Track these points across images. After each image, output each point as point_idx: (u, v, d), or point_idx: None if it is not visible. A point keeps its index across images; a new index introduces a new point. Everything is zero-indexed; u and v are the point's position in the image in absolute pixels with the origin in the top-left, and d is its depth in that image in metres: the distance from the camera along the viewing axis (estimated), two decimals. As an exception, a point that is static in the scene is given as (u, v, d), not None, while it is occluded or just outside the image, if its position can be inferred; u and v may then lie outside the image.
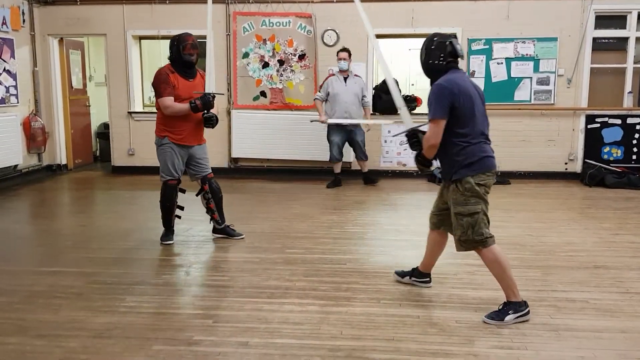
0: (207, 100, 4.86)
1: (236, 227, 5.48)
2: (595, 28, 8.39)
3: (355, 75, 8.04)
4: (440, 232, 3.96)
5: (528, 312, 3.53)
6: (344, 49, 7.91)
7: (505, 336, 3.33)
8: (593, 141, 8.57)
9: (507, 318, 3.48)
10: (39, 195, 7.84)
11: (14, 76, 8.42)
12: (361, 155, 8.12)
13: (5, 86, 8.25)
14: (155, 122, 5.08)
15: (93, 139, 10.65)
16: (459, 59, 3.73)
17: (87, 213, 6.95)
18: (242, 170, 9.00)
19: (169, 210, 5.18)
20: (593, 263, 4.67)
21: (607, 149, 8.57)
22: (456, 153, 3.62)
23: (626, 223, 6.03)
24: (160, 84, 4.87)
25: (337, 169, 8.12)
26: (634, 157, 8.52)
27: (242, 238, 5.32)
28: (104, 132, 10.29)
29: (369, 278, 4.30)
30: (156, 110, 5.09)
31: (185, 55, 4.91)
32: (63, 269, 4.57)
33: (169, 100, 4.85)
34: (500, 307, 3.55)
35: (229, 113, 8.86)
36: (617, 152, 8.56)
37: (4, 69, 8.21)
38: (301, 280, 4.26)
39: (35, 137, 8.82)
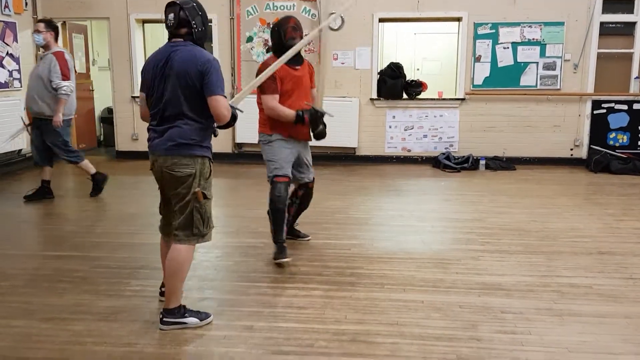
0: (315, 117, 4.28)
1: (241, 212, 5.49)
2: (603, 12, 8.32)
3: (53, 52, 6.18)
4: None
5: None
6: (40, 20, 6.53)
7: (508, 321, 3.34)
8: (599, 127, 8.53)
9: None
10: (43, 180, 7.84)
11: (17, 60, 8.40)
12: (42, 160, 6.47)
13: (9, 70, 8.23)
14: (259, 119, 4.48)
15: (97, 123, 10.65)
16: (169, 29, 3.26)
17: (91, 198, 6.95)
18: (246, 155, 8.99)
19: (279, 218, 4.37)
20: (597, 249, 4.66)
21: (613, 135, 8.53)
22: None
23: (631, 209, 6.02)
24: (265, 79, 4.12)
25: (44, 175, 6.53)
26: (640, 143, 8.50)
27: (309, 239, 4.87)
28: (107, 117, 10.29)
29: (373, 263, 4.30)
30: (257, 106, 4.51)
31: (289, 41, 4.27)
32: (67, 253, 4.59)
33: (272, 100, 4.27)
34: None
35: (232, 97, 8.82)
36: (623, 138, 8.52)
37: (7, 53, 8.19)
38: (305, 265, 4.27)
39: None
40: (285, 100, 4.31)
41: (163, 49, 3.27)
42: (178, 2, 3.19)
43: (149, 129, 3.37)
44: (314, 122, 4.32)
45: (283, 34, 4.31)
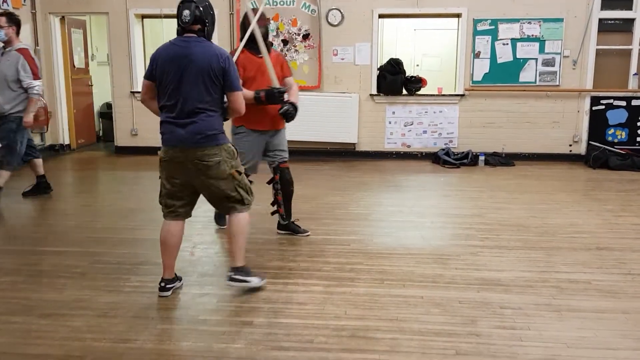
0: (271, 94, 4.39)
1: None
2: (602, 9, 8.31)
3: (18, 49, 5.91)
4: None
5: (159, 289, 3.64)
6: (1, 13, 6.12)
7: (507, 316, 3.35)
8: (598, 123, 8.54)
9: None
10: (42, 175, 7.83)
11: (16, 55, 8.37)
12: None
13: (8, 65, 8.20)
14: None
15: (96, 118, 10.63)
16: (183, 25, 3.43)
17: (90, 193, 6.96)
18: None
19: None
20: (596, 244, 4.67)
21: (611, 131, 8.54)
22: None
23: (629, 205, 6.03)
24: None
25: (37, 170, 6.44)
26: (639, 139, 8.50)
27: (308, 235, 4.90)
28: (106, 112, 10.27)
29: (373, 259, 4.31)
30: None
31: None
32: (67, 248, 4.59)
33: None
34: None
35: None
36: (622, 134, 8.53)
37: (6, 48, 8.16)
38: (305, 260, 4.27)
39: (37, 117, 8.69)
40: (249, 86, 4.47)
41: (179, 43, 3.43)
42: (194, 0, 3.40)
43: (165, 122, 3.46)
44: (272, 99, 4.42)
45: (247, 23, 4.54)
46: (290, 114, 4.54)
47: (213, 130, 3.43)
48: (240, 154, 4.57)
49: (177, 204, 3.58)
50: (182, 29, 3.44)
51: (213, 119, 3.45)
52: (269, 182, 4.85)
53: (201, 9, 3.40)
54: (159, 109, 3.51)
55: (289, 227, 4.94)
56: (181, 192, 3.56)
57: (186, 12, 3.38)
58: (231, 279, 3.65)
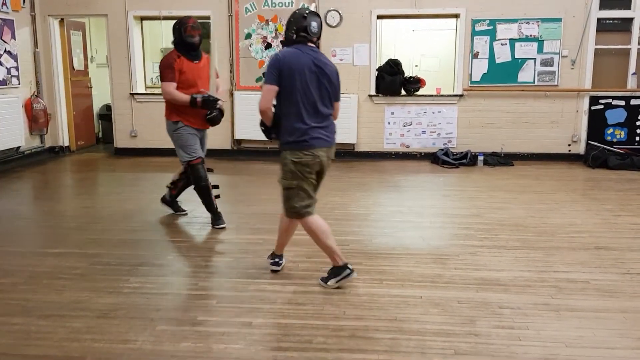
0: (207, 101, 4.85)
1: (240, 208, 5.49)
2: (600, 8, 8.32)
3: None
4: None
5: (349, 274, 3.73)
6: None
7: (506, 316, 3.35)
8: (596, 123, 8.55)
9: (330, 282, 3.74)
10: (41, 177, 7.85)
11: (15, 57, 8.39)
12: None
13: (7, 67, 8.22)
14: (165, 106, 5.05)
15: (95, 120, 10.63)
16: (311, 36, 3.66)
17: (90, 195, 6.96)
18: (245, 151, 9.00)
19: (206, 192, 5.12)
20: (595, 244, 4.68)
21: (610, 131, 8.55)
22: (283, 125, 3.68)
23: (628, 204, 6.03)
24: (164, 68, 4.90)
25: None
26: (637, 138, 8.51)
27: (186, 214, 5.51)
28: (106, 114, 10.27)
29: (372, 259, 4.31)
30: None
31: (187, 37, 4.93)
32: (66, 250, 4.60)
33: (169, 86, 4.86)
34: (328, 272, 3.79)
35: (231, 94, 8.83)
36: (621, 134, 8.54)
37: (5, 50, 8.18)
38: (304, 261, 4.28)
39: (37, 119, 8.81)
40: (188, 88, 4.89)
41: (311, 53, 3.64)
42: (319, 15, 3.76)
43: (311, 128, 3.62)
44: (207, 105, 4.87)
45: (183, 31, 4.92)
46: (216, 120, 4.98)
47: None
48: (185, 147, 5.01)
49: (313, 200, 3.79)
50: (304, 38, 3.63)
51: None
52: (182, 172, 5.25)
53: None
54: (284, 107, 3.62)
55: (173, 205, 5.51)
56: (312, 190, 3.77)
57: (315, 24, 3.64)
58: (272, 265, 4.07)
